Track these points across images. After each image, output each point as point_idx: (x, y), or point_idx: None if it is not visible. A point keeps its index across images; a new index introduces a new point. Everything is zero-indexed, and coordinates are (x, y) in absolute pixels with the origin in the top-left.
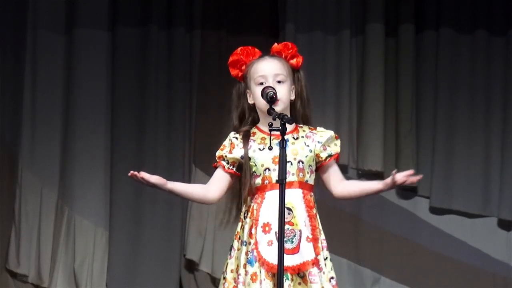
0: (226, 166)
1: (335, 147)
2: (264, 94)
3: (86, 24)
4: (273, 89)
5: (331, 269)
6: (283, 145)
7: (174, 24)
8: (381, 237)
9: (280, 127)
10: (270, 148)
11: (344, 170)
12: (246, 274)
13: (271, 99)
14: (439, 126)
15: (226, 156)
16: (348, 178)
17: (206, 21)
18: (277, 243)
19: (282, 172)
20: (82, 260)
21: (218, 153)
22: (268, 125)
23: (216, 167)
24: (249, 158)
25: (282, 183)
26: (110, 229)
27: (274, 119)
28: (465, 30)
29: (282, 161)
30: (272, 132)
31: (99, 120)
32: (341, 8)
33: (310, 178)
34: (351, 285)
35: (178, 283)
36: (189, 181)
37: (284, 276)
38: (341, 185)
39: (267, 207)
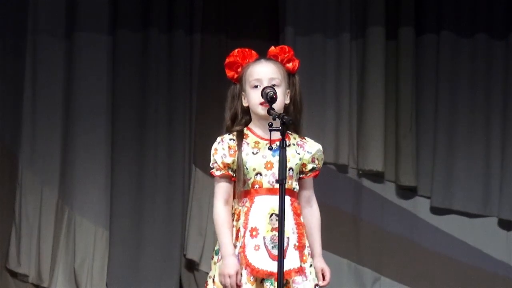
0: (233, 174)
1: (321, 162)
2: (264, 94)
3: (87, 28)
4: (273, 89)
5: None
6: (283, 145)
7: (174, 27)
8: (381, 237)
9: (280, 127)
10: (270, 148)
11: (344, 170)
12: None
13: (271, 99)
14: (440, 126)
15: (231, 163)
16: (348, 178)
17: (206, 24)
18: (264, 248)
19: (282, 172)
20: (82, 260)
21: (221, 160)
22: (268, 125)
23: (217, 174)
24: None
25: (282, 183)
26: (110, 229)
27: (274, 119)
28: (465, 34)
29: (282, 161)
30: (272, 133)
31: (100, 121)
32: (341, 11)
33: (297, 186)
34: (351, 285)
35: (178, 283)
36: (189, 181)
37: (268, 282)
38: (305, 210)
39: (256, 212)
